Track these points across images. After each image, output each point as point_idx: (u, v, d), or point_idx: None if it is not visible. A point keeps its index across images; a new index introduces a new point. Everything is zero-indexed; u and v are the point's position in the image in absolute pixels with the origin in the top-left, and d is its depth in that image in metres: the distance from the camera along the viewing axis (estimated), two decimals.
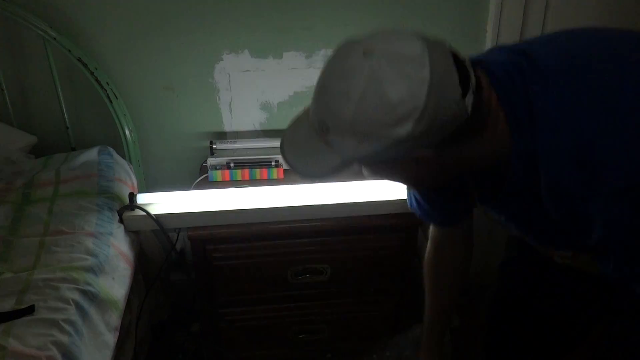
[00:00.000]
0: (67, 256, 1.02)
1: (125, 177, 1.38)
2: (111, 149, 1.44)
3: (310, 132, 0.67)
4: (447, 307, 1.13)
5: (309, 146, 0.67)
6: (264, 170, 1.49)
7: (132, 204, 1.24)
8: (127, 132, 1.50)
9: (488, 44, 1.55)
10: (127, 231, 1.22)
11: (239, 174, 1.49)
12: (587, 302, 0.99)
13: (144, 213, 1.22)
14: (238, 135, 1.65)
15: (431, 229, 1.09)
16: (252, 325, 1.42)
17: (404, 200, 1.29)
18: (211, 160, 1.51)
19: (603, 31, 0.78)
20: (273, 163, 1.51)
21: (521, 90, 0.68)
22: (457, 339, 1.48)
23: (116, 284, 1.07)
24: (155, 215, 1.22)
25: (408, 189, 1.04)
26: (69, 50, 1.39)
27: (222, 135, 1.64)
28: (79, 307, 0.93)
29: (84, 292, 0.96)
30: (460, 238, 1.07)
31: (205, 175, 1.51)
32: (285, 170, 1.52)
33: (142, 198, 1.26)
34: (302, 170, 0.71)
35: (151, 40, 1.49)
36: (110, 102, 1.45)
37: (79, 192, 1.23)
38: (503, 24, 1.54)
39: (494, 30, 1.54)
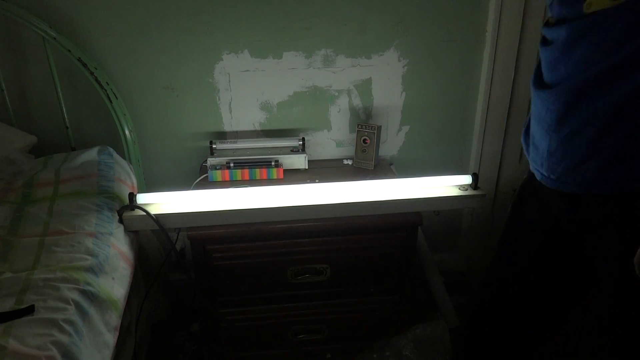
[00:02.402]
0: (67, 256, 1.02)
1: (125, 177, 1.38)
2: (111, 149, 1.44)
3: None
4: None
5: None
6: (264, 170, 1.49)
7: (132, 204, 1.24)
8: (127, 132, 1.50)
9: (488, 44, 1.55)
10: (127, 231, 1.22)
11: (238, 174, 1.49)
12: (566, 285, 1.04)
13: (144, 213, 1.23)
14: (238, 135, 1.65)
15: None
16: (252, 325, 1.42)
17: (404, 200, 1.30)
18: (211, 160, 1.51)
19: None
20: (273, 163, 1.51)
21: None
22: (457, 339, 1.48)
23: (116, 284, 1.07)
24: (155, 215, 1.22)
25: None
26: (69, 50, 1.39)
27: (222, 135, 1.64)
28: (79, 307, 0.93)
29: (84, 292, 0.96)
30: None
31: (205, 175, 1.52)
32: (285, 170, 1.52)
33: (142, 198, 1.26)
34: None
35: (151, 40, 1.49)
36: (110, 102, 1.46)
37: (78, 192, 1.23)
38: (503, 25, 1.54)
39: (493, 31, 1.54)
